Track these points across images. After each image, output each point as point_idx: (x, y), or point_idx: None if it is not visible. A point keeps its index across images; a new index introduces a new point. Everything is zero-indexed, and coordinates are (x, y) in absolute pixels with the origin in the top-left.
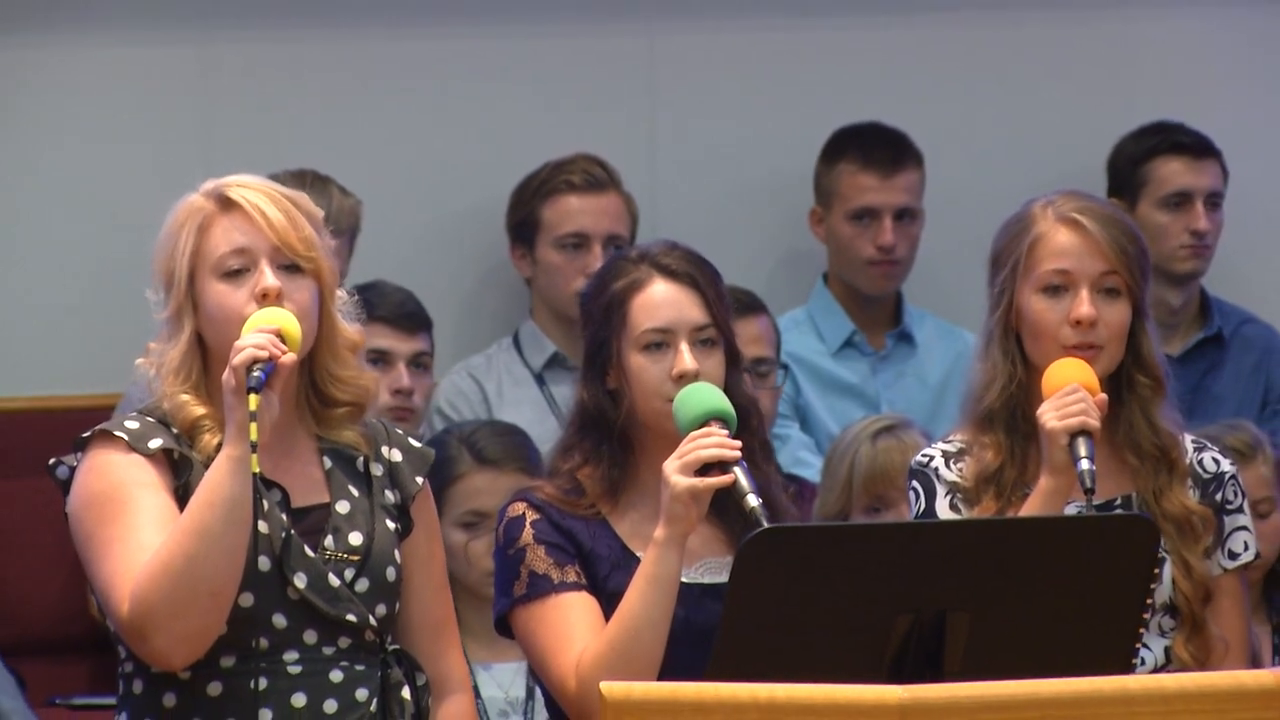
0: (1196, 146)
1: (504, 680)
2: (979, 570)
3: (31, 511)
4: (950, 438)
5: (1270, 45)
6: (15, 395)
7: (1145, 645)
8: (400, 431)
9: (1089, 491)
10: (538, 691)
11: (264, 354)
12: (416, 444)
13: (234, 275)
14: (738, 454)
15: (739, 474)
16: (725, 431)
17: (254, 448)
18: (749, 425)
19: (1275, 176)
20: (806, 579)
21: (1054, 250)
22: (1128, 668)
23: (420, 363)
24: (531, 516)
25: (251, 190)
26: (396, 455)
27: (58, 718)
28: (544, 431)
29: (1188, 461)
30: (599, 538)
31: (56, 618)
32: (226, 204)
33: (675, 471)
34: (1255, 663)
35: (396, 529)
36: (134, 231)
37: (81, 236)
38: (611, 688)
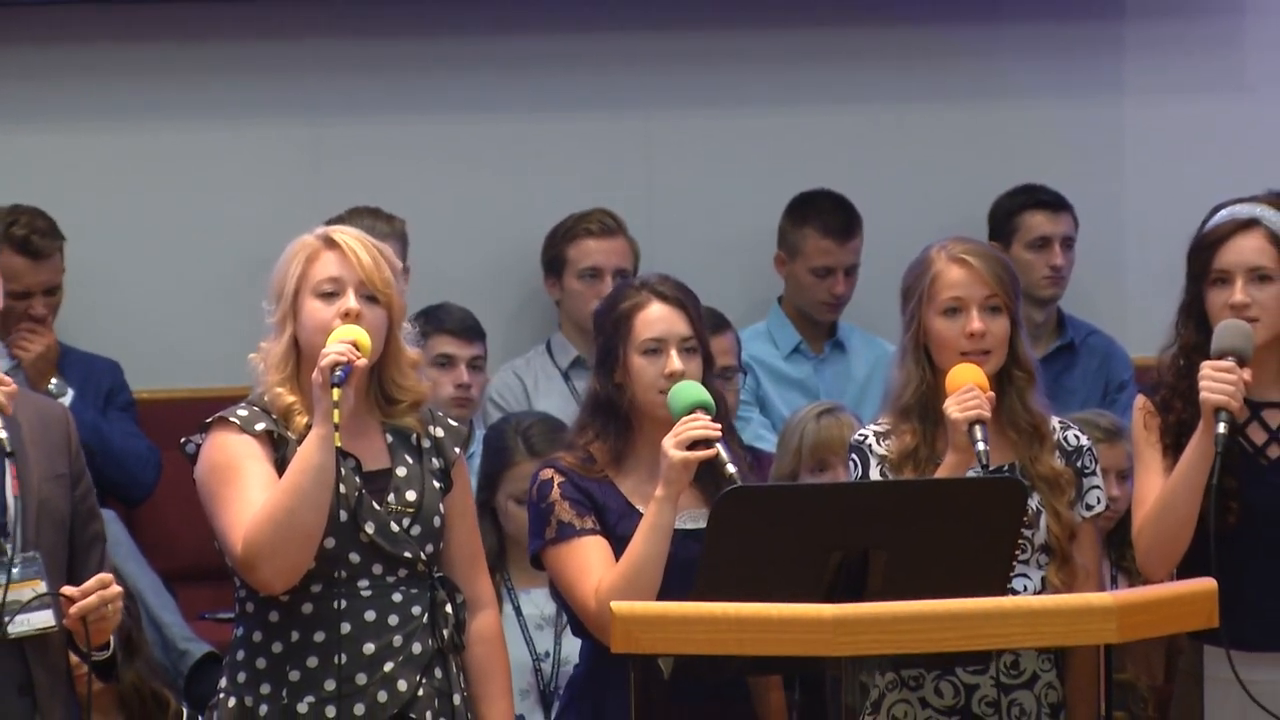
0: (1054, 202)
1: (539, 601)
2: (894, 518)
3: (188, 475)
4: (880, 420)
5: (1104, 128)
6: (178, 386)
7: (1027, 576)
8: (442, 414)
9: (985, 466)
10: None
11: (344, 359)
12: (454, 423)
13: (327, 296)
14: (719, 434)
15: (720, 449)
16: (709, 417)
17: (336, 428)
18: (719, 414)
19: (1111, 225)
20: (765, 525)
21: (949, 283)
22: (1003, 591)
23: (476, 364)
24: (558, 479)
25: (350, 237)
26: (440, 432)
27: (204, 628)
28: (569, 415)
29: (1056, 438)
30: (608, 495)
31: (205, 553)
32: (330, 243)
33: (672, 447)
34: (1103, 589)
35: (440, 487)
36: (264, 266)
37: (225, 271)
38: (619, 606)
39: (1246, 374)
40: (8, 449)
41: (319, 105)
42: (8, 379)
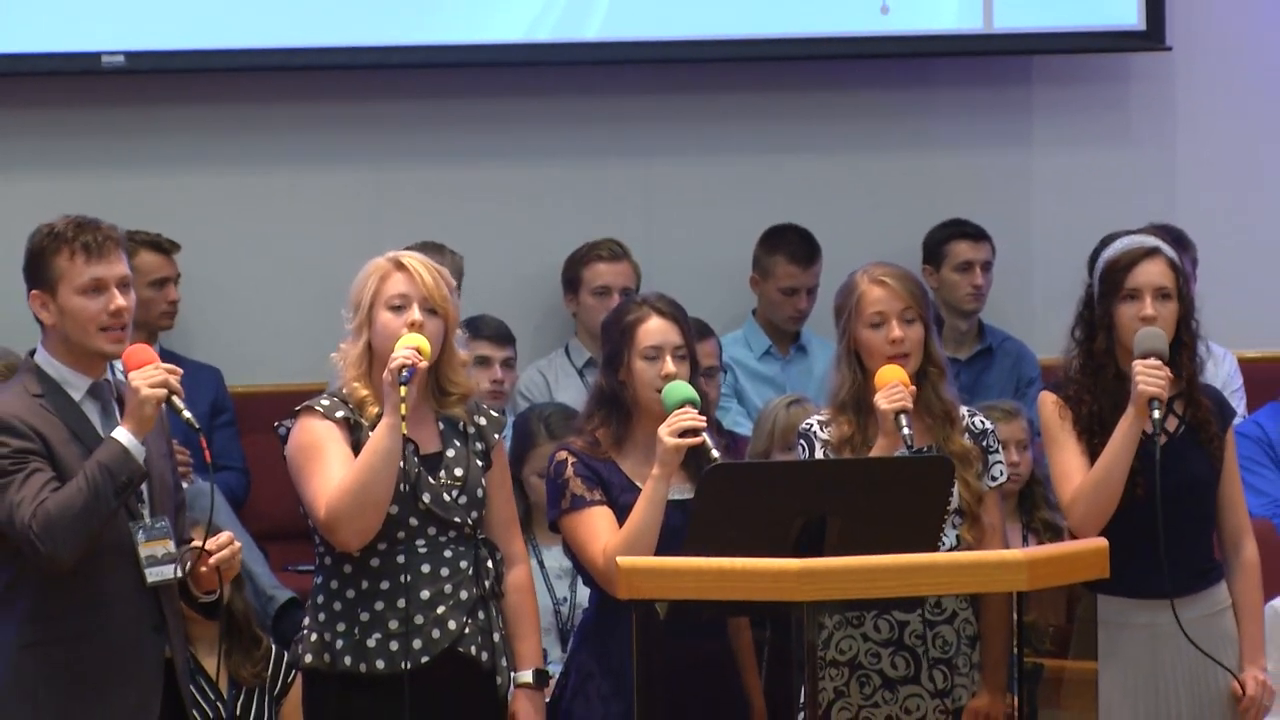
0: (976, 233)
1: (558, 556)
2: (848, 490)
3: (277, 455)
4: (822, 411)
5: (1015, 173)
6: (270, 382)
7: (944, 534)
8: (485, 406)
9: (910, 447)
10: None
11: (409, 362)
12: (495, 414)
13: (396, 309)
14: (705, 424)
15: (705, 437)
16: (695, 411)
17: (403, 419)
18: (704, 408)
19: (1022, 251)
20: (743, 495)
21: (872, 300)
22: (935, 548)
23: (508, 364)
24: (571, 459)
25: (416, 261)
26: (483, 420)
27: (288, 578)
28: (583, 405)
29: (964, 422)
30: (612, 473)
31: (289, 517)
32: (400, 265)
33: (666, 435)
34: (1008, 546)
35: (482, 465)
36: (334, 284)
37: (308, 289)
38: (624, 560)
39: (1167, 371)
40: (196, 426)
41: (382, 155)
42: (175, 366)
